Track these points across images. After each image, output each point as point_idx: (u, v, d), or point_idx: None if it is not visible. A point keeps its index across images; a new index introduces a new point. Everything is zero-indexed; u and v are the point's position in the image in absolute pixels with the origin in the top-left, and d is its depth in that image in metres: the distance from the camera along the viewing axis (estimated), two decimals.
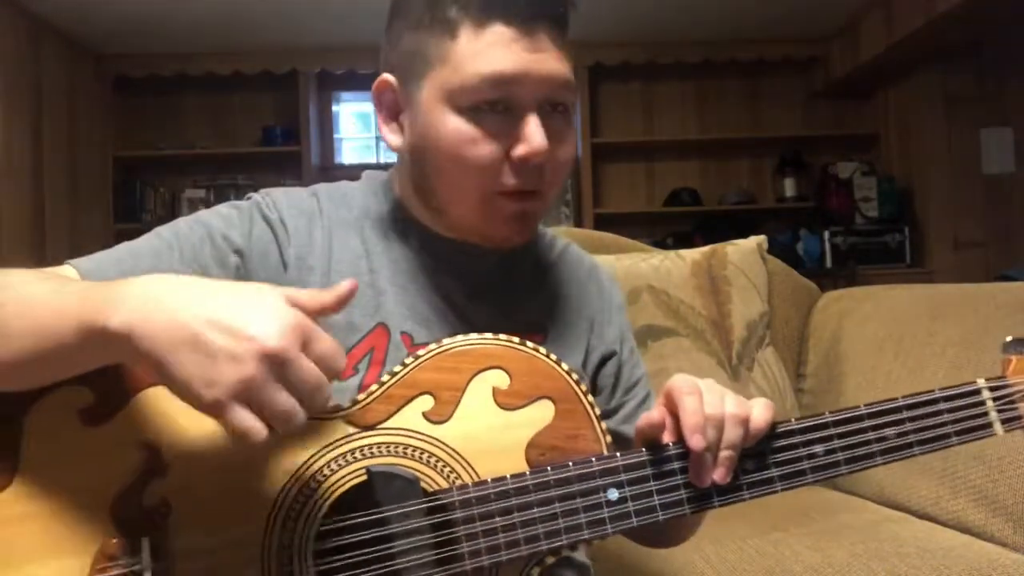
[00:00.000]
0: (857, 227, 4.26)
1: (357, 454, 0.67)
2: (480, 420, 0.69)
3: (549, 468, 0.68)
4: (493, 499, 0.67)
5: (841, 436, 0.72)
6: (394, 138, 0.83)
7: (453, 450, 0.68)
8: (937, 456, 0.74)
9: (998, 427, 0.74)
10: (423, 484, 0.67)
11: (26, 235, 3.58)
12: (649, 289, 1.56)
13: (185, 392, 0.55)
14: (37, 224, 3.68)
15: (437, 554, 0.65)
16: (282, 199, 0.84)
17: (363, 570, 0.64)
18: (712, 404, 0.69)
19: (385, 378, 0.69)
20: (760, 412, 0.70)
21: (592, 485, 0.68)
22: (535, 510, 0.67)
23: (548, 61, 0.76)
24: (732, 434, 0.69)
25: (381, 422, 0.68)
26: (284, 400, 0.55)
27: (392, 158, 0.87)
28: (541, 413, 0.70)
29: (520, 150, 0.75)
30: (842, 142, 4.59)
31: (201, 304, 0.56)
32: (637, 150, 4.64)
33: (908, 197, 4.28)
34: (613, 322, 0.93)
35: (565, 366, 0.71)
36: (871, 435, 0.72)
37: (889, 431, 0.72)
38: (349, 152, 4.89)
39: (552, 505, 0.67)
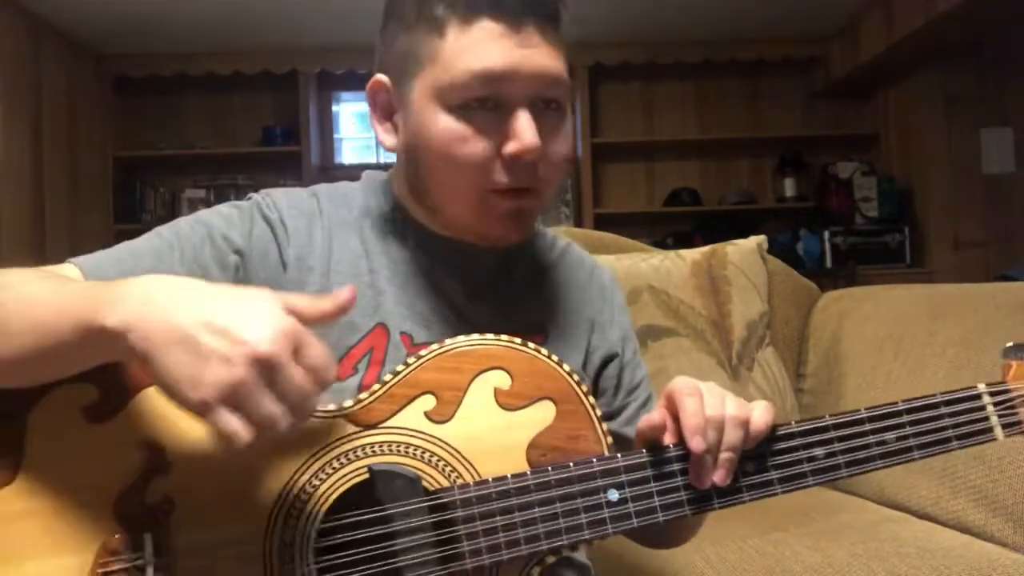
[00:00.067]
0: (857, 227, 4.26)
1: (359, 452, 0.67)
2: (482, 420, 0.69)
3: (550, 468, 0.68)
4: (494, 498, 0.67)
5: (841, 439, 0.72)
6: (388, 138, 0.83)
7: (454, 450, 0.68)
8: (937, 456, 0.74)
9: (999, 432, 0.74)
10: (424, 483, 0.67)
11: (26, 235, 3.58)
12: (649, 289, 1.56)
13: (173, 391, 0.55)
14: (37, 224, 3.68)
15: (438, 553, 0.65)
16: (282, 199, 0.84)
17: (364, 568, 0.64)
18: (713, 406, 0.69)
19: (387, 377, 0.69)
20: (760, 414, 0.70)
21: (593, 485, 0.68)
22: (536, 510, 0.67)
23: (538, 57, 0.75)
24: (732, 436, 0.69)
25: (383, 421, 0.68)
26: (270, 406, 0.55)
27: (392, 158, 0.88)
28: (542, 414, 0.70)
29: (511, 147, 0.75)
30: (842, 142, 4.59)
31: (198, 306, 0.56)
32: (637, 150, 4.63)
33: (908, 197, 4.28)
34: (615, 323, 0.93)
35: (566, 367, 0.71)
36: (871, 439, 0.72)
37: (889, 435, 0.72)
38: (349, 152, 4.89)
39: (553, 505, 0.68)
